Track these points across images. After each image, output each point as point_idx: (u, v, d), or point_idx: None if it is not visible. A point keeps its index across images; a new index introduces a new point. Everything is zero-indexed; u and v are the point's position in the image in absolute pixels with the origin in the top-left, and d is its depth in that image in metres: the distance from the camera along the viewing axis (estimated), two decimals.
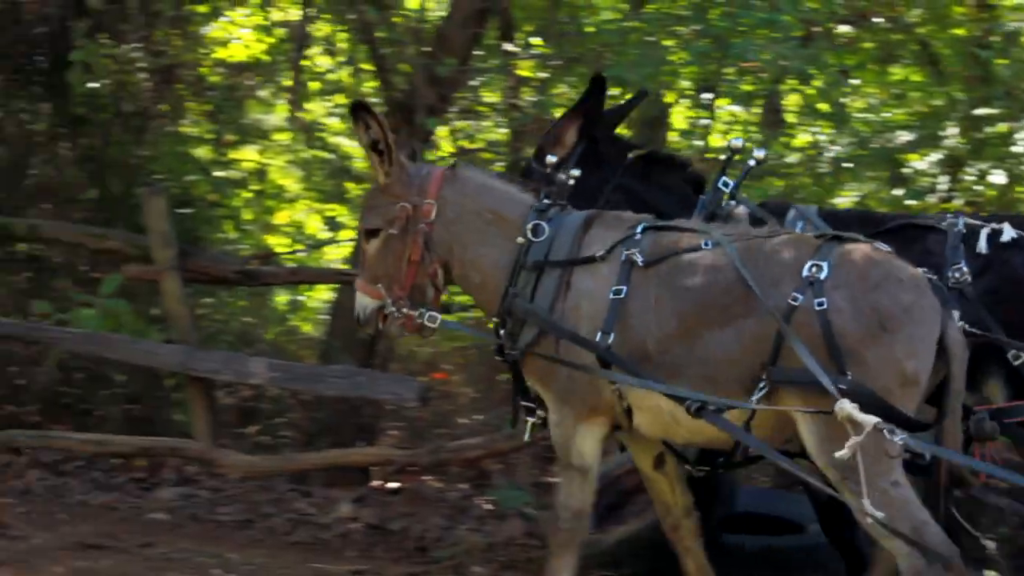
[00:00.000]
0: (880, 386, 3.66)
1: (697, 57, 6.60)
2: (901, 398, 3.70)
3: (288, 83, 8.45)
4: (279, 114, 9.05)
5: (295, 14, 8.38)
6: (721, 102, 7.37)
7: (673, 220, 4.33)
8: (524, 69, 7.58)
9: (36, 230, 7.07)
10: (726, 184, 4.64)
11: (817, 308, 3.76)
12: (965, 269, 4.28)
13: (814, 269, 3.82)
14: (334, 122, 8.82)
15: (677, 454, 4.46)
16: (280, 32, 8.51)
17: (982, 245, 4.36)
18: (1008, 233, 4.35)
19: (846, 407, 3.54)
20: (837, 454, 3.55)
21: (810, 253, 3.89)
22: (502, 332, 4.30)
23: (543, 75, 7.52)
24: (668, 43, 6.75)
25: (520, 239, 4.31)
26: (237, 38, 8.68)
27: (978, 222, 4.44)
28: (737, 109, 7.50)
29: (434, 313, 4.41)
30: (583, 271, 4.23)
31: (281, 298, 9.34)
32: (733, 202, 4.63)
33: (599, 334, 4.09)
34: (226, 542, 5.90)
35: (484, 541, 5.95)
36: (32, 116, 8.25)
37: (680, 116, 7.91)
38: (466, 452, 6.22)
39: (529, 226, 4.30)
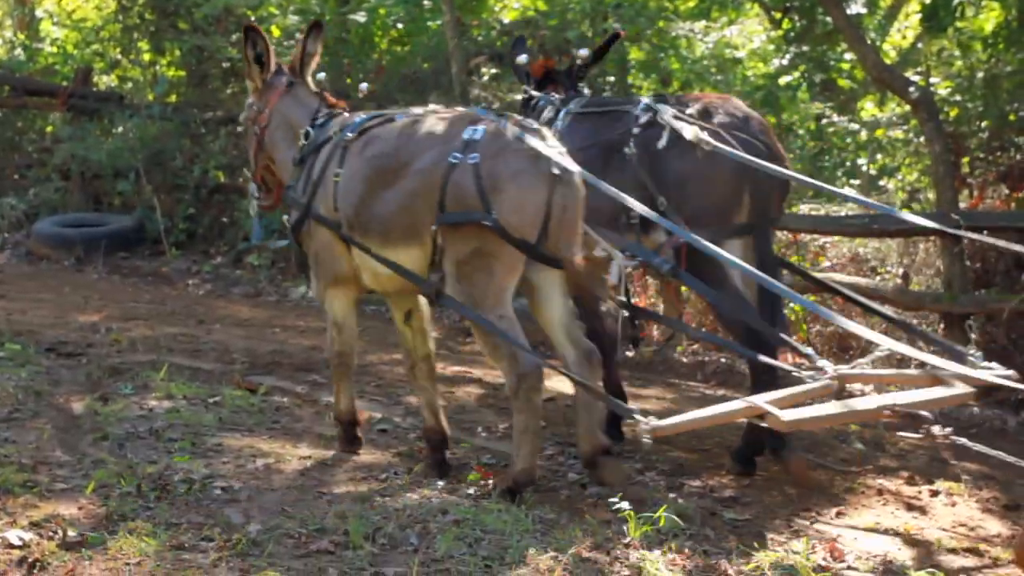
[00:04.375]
0: (512, 226, 4.86)
1: None
2: (530, 239, 4.90)
3: None
4: None
5: None
6: None
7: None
8: None
9: None
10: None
11: (471, 165, 4.90)
12: (632, 143, 5.67)
13: (470, 134, 4.99)
14: None
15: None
16: None
17: (643, 123, 5.71)
18: (663, 114, 5.63)
19: None
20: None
21: (470, 123, 5.06)
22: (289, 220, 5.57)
23: None
24: None
25: (301, 142, 5.54)
26: None
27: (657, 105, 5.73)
28: None
29: (254, 203, 5.91)
30: (317, 158, 5.42)
31: None
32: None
33: (334, 211, 5.28)
34: None
35: None
36: None
37: None
38: None
39: (302, 131, 5.57)
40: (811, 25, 11.71)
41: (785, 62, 11.97)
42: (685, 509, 4.94)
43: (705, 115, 5.65)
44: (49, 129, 13.22)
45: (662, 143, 5.59)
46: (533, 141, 4.97)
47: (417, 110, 5.39)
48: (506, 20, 11.72)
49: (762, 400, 4.62)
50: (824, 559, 4.66)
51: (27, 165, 12.85)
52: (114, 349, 7.53)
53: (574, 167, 5.03)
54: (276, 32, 12.06)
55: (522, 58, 6.65)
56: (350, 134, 5.33)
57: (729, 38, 12.88)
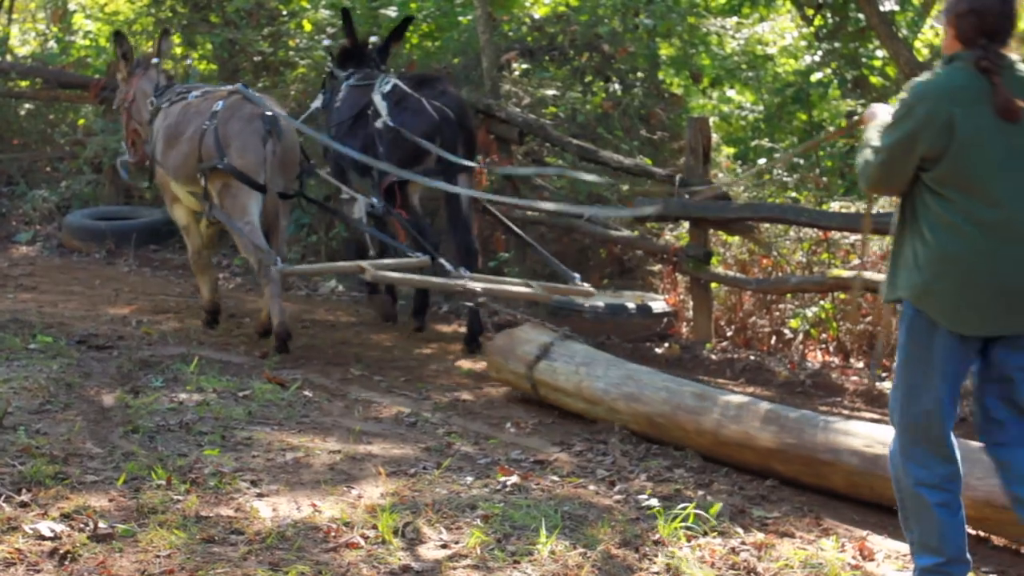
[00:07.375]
0: (239, 167, 7.30)
1: None
2: (255, 175, 7.30)
3: None
4: None
5: None
6: None
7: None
8: None
9: None
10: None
11: (213, 129, 7.37)
12: (370, 108, 8.06)
13: (215, 107, 7.49)
14: None
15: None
16: None
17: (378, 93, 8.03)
18: (386, 87, 8.06)
19: None
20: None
21: (219, 99, 7.59)
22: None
23: None
24: None
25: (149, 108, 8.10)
26: None
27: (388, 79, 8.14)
28: None
29: (122, 159, 8.67)
30: (155, 119, 7.97)
31: None
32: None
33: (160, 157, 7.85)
34: None
35: None
36: None
37: None
38: None
39: (149, 100, 8.09)
40: (843, 22, 11.67)
41: (817, 59, 11.92)
42: (714, 506, 4.93)
43: (418, 86, 7.96)
44: (81, 122, 13.27)
45: (383, 108, 7.87)
46: (258, 109, 7.41)
47: (196, 92, 7.87)
48: (537, 15, 11.70)
49: (366, 263, 7.17)
50: (854, 557, 4.66)
51: (59, 158, 12.88)
52: (144, 342, 7.57)
53: (284, 126, 7.46)
54: (308, 27, 12.09)
55: (326, 42, 9.57)
56: (165, 104, 7.88)
57: (760, 34, 12.83)
